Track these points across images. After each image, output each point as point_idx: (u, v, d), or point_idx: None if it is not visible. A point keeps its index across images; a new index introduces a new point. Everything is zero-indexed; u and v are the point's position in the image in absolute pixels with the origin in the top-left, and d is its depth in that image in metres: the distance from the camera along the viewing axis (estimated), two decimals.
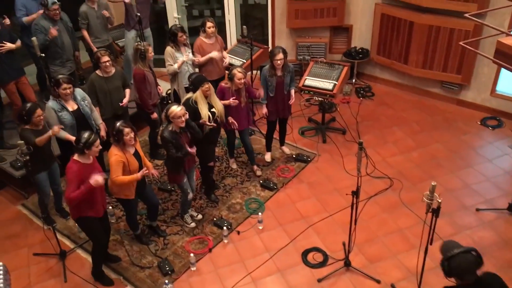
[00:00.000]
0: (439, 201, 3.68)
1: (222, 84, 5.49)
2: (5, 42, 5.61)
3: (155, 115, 5.82)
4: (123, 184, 4.43)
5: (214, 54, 6.11)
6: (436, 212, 3.72)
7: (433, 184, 3.62)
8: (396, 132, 6.76)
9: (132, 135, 4.34)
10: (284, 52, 5.53)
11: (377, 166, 6.07)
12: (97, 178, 4.03)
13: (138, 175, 4.38)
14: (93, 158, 4.24)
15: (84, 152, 4.08)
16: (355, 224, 4.47)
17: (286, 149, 6.41)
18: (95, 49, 6.39)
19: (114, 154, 4.32)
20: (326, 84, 6.33)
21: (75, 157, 4.12)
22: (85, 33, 6.60)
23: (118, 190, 4.55)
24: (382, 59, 7.59)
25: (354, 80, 7.88)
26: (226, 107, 5.36)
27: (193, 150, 4.76)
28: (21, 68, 6.06)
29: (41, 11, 6.04)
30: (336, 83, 6.31)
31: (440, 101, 7.35)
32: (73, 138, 4.74)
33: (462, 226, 5.14)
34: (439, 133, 6.67)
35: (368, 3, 7.42)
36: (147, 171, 4.49)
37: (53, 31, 5.89)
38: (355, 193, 4.23)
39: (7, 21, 5.76)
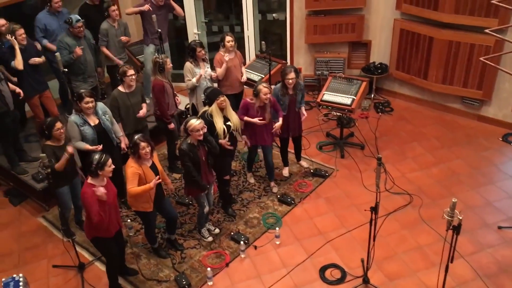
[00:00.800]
0: (460, 218, 3.62)
1: (247, 99, 5.50)
2: (34, 59, 5.80)
3: (172, 125, 5.88)
4: (139, 196, 4.47)
5: (227, 57, 6.11)
6: (457, 229, 3.66)
7: (453, 200, 3.57)
8: (416, 147, 6.69)
9: (148, 149, 4.38)
10: (296, 71, 5.55)
11: (396, 182, 6.00)
12: (100, 189, 4.02)
13: (151, 184, 4.39)
14: (107, 179, 4.25)
15: (97, 174, 4.09)
16: (374, 240, 4.41)
17: (304, 163, 6.40)
18: (121, 63, 6.54)
19: (130, 166, 4.39)
20: (345, 99, 6.32)
21: (89, 180, 4.12)
22: (105, 50, 6.75)
23: (135, 203, 4.59)
24: (401, 74, 7.56)
25: (372, 95, 7.85)
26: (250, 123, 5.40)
27: (214, 187, 4.77)
28: (45, 82, 6.22)
29: (79, 51, 6.13)
30: (355, 98, 6.30)
31: (461, 116, 7.26)
32: (92, 148, 4.83)
33: (484, 244, 5.04)
34: (460, 149, 6.58)
35: (387, 19, 7.42)
36: (159, 180, 4.48)
37: (78, 51, 6.05)
38: (374, 209, 4.19)
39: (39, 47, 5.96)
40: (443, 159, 6.40)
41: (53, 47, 6.36)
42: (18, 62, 5.66)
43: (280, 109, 5.65)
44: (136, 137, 4.38)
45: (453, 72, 6.91)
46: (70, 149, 4.79)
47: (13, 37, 5.61)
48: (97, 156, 4.10)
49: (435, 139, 6.84)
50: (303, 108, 5.88)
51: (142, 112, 5.62)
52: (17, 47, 5.64)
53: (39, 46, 6.37)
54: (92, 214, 4.05)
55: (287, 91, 5.63)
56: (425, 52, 7.06)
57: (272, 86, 6.28)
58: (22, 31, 5.68)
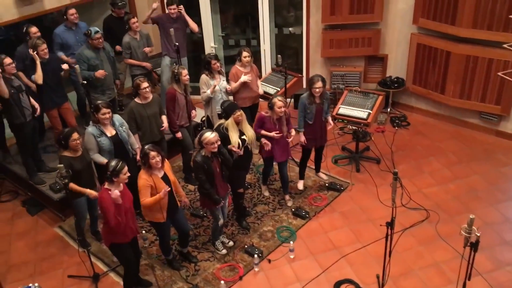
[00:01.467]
0: (478, 234, 3.56)
1: (263, 113, 5.52)
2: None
3: (179, 135, 5.94)
4: (152, 207, 4.50)
5: (244, 78, 6.18)
6: (474, 246, 3.61)
7: (471, 217, 3.51)
8: (433, 162, 6.62)
9: (158, 159, 4.41)
10: (323, 81, 5.58)
11: (413, 197, 5.94)
12: (115, 192, 4.12)
13: (160, 194, 4.40)
14: (123, 185, 4.33)
15: (113, 180, 4.18)
16: (390, 256, 4.36)
17: (323, 176, 6.39)
18: (149, 65, 6.67)
19: (142, 178, 4.43)
20: (361, 113, 6.30)
21: (106, 185, 4.23)
22: (130, 60, 6.86)
23: (148, 213, 4.62)
24: (418, 89, 7.51)
25: (389, 109, 7.81)
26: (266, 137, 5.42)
27: (229, 199, 4.77)
28: (65, 95, 6.32)
29: (102, 71, 6.28)
30: (371, 112, 6.28)
31: (479, 131, 7.18)
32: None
33: (503, 262, 4.94)
34: (478, 164, 6.49)
35: (404, 33, 7.41)
36: (168, 189, 4.49)
37: (101, 72, 6.19)
38: (390, 224, 4.14)
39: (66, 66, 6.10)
40: (460, 174, 6.32)
41: (68, 59, 6.48)
42: (38, 77, 5.76)
43: (290, 124, 5.65)
44: (146, 147, 4.44)
45: (471, 86, 6.85)
46: (94, 193, 4.84)
47: (35, 52, 5.72)
48: (113, 163, 4.18)
49: (453, 154, 6.76)
50: (329, 118, 5.92)
51: (165, 124, 5.69)
52: (38, 61, 5.74)
53: (64, 57, 6.49)
54: (109, 218, 4.11)
55: (314, 100, 5.65)
56: (442, 67, 7.02)
57: (288, 99, 6.31)
58: (44, 46, 5.79)
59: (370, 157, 6.74)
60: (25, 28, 6.11)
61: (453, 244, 5.13)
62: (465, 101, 7.01)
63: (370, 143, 7.04)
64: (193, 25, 7.21)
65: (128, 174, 4.27)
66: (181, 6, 7.04)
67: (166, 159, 4.67)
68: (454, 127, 7.39)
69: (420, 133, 7.34)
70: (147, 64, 6.84)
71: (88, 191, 4.85)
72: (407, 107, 7.93)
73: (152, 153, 4.37)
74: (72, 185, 4.72)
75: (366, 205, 5.90)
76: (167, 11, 7.12)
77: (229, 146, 5.00)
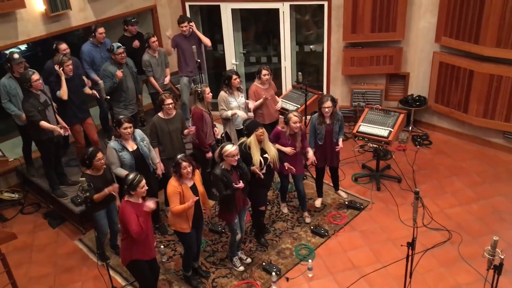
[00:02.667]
0: (502, 257, 3.48)
1: (278, 127, 5.56)
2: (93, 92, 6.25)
3: (209, 154, 5.96)
4: (179, 215, 4.53)
5: (263, 99, 6.21)
6: (498, 269, 3.52)
7: (495, 238, 3.44)
8: (455, 182, 6.51)
9: (189, 169, 4.48)
10: (333, 100, 5.56)
11: (435, 217, 5.84)
12: (148, 204, 4.20)
13: (189, 203, 4.45)
14: (142, 199, 4.37)
15: (131, 194, 4.24)
16: (410, 277, 4.28)
17: (342, 193, 6.34)
18: (162, 92, 6.74)
19: (171, 185, 4.49)
20: (381, 131, 6.25)
21: (126, 198, 4.29)
22: (153, 81, 6.99)
23: (174, 221, 4.66)
24: (441, 107, 7.44)
25: (410, 128, 7.74)
26: (281, 152, 5.40)
27: (240, 185, 4.77)
28: (88, 110, 6.45)
29: (120, 73, 6.39)
30: (392, 130, 6.23)
31: (503, 151, 7.05)
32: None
33: None
34: (502, 185, 6.36)
35: (426, 52, 7.37)
36: (196, 198, 4.52)
37: (119, 74, 6.27)
38: (411, 245, 4.08)
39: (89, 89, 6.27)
40: (484, 195, 6.20)
41: (98, 80, 6.61)
42: (64, 92, 5.89)
43: (305, 140, 5.64)
44: (178, 156, 4.52)
45: (495, 106, 6.75)
46: (112, 188, 4.91)
47: (61, 68, 5.86)
48: (130, 177, 4.24)
49: (476, 174, 6.64)
50: (340, 141, 5.86)
51: (186, 131, 5.74)
52: (63, 77, 5.88)
53: (96, 78, 6.63)
54: (131, 227, 4.13)
55: (324, 120, 5.63)
56: (465, 86, 6.95)
57: (309, 117, 6.31)
58: (70, 62, 5.93)
59: (391, 175, 6.66)
60: (55, 45, 6.28)
61: (476, 267, 5.01)
62: (489, 121, 6.90)
63: (391, 161, 6.97)
64: (205, 40, 7.30)
65: (146, 188, 4.31)
66: (192, 22, 7.15)
67: (197, 170, 4.73)
68: (477, 146, 7.27)
69: (443, 152, 7.24)
70: (161, 91, 6.91)
71: (107, 190, 4.89)
72: (429, 126, 7.85)
73: (184, 163, 4.45)
74: (95, 196, 4.78)
75: (387, 225, 5.82)
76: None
77: (252, 168, 5.01)
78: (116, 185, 4.96)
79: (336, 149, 5.85)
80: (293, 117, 5.32)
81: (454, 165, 6.90)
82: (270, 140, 5.46)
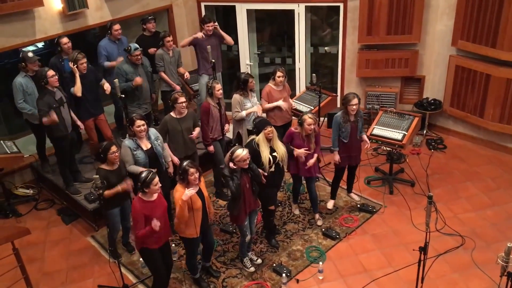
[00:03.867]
0: None
1: (292, 129, 5.55)
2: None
3: (211, 148, 6.01)
4: (187, 221, 4.52)
5: (280, 103, 6.24)
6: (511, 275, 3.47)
7: (509, 245, 3.40)
8: (470, 187, 6.44)
9: (196, 175, 4.46)
10: (358, 98, 5.55)
11: (448, 222, 5.78)
12: (156, 223, 4.22)
13: (182, 204, 4.44)
14: (158, 195, 4.40)
15: (145, 191, 4.26)
16: (422, 282, 4.25)
17: (355, 196, 6.31)
18: (178, 88, 6.78)
19: (179, 191, 4.46)
20: (395, 134, 6.21)
21: (139, 195, 4.32)
22: (164, 75, 6.99)
23: (182, 229, 4.64)
24: (456, 111, 7.36)
25: (425, 131, 7.67)
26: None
27: (258, 216, 4.76)
28: (101, 107, 6.50)
29: (120, 58, 6.52)
30: (406, 133, 6.18)
31: None
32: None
33: None
34: None
35: (442, 55, 7.30)
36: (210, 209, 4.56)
37: (138, 80, 6.32)
38: (423, 249, 4.05)
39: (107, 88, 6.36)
40: (498, 201, 6.12)
41: (114, 64, 6.69)
42: (77, 89, 5.96)
43: (319, 143, 5.61)
44: (185, 163, 4.47)
45: (511, 111, 6.66)
46: (125, 185, 4.95)
47: (76, 66, 5.93)
48: (143, 174, 4.27)
49: (491, 179, 6.56)
50: (365, 136, 5.86)
51: (195, 134, 5.76)
52: (77, 74, 5.94)
53: (113, 63, 6.70)
54: (136, 228, 4.23)
55: (349, 118, 5.62)
56: (482, 90, 6.86)
57: (322, 119, 6.29)
58: (84, 60, 5.99)
59: (404, 179, 6.61)
60: (56, 39, 6.36)
61: (489, 273, 4.94)
62: (505, 126, 6.81)
63: (405, 165, 6.91)
64: (228, 39, 7.31)
65: (160, 185, 4.34)
66: (216, 22, 7.17)
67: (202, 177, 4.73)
68: (493, 151, 7.18)
69: (457, 156, 7.16)
70: (176, 87, 6.93)
71: (119, 187, 4.93)
72: (444, 130, 7.77)
73: (192, 170, 4.42)
74: (106, 192, 4.81)
75: (399, 229, 5.78)
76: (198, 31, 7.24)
77: (261, 171, 5.00)
78: (129, 182, 4.99)
79: (366, 146, 5.84)
80: (308, 119, 5.31)
81: (468, 170, 6.82)
82: (283, 141, 5.46)
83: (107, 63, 6.83)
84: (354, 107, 5.52)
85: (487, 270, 5.00)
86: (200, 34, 7.03)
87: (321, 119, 6.98)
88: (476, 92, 6.96)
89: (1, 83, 7.35)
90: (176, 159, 5.58)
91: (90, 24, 7.11)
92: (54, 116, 5.60)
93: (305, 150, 5.42)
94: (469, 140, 7.49)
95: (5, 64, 7.32)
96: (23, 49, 6.62)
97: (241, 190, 4.75)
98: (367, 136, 6.30)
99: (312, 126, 5.33)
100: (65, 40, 6.34)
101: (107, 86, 6.33)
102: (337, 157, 5.77)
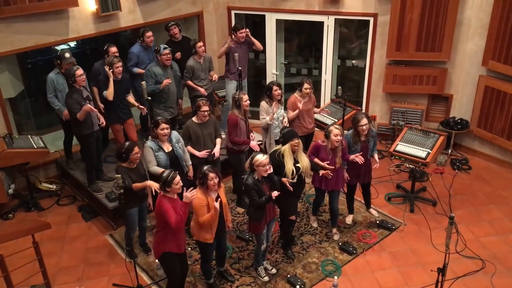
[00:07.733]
0: None
1: (319, 141, 5.49)
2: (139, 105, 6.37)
3: (253, 143, 5.98)
4: (204, 226, 4.54)
5: (297, 111, 6.24)
6: None
7: None
8: (493, 211, 6.29)
9: (216, 180, 4.47)
10: (368, 117, 5.48)
11: (468, 244, 5.65)
12: (187, 195, 4.21)
13: (213, 211, 4.43)
14: (177, 196, 4.43)
15: (166, 190, 4.30)
16: None
17: (374, 212, 6.24)
18: (205, 93, 6.83)
19: (197, 198, 4.46)
20: (419, 152, 6.12)
21: (162, 193, 4.36)
22: (190, 82, 7.04)
23: (197, 232, 4.67)
24: (483, 132, 7.22)
25: (450, 151, 7.55)
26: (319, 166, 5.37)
27: (276, 193, 4.73)
28: (130, 112, 6.55)
29: (168, 80, 6.53)
30: (430, 151, 6.09)
31: None
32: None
33: None
34: None
35: (472, 74, 7.19)
36: (218, 209, 4.49)
37: (166, 81, 6.39)
38: (441, 271, 3.98)
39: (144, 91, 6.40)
40: None
41: (142, 71, 6.76)
42: (110, 93, 6.02)
43: (347, 156, 5.56)
44: (205, 167, 4.50)
45: None
46: (155, 185, 4.98)
47: (111, 70, 6.00)
48: (165, 174, 4.31)
49: None
50: (376, 156, 5.78)
51: (216, 150, 5.79)
52: (111, 79, 6.00)
53: (140, 70, 6.77)
54: (171, 217, 4.21)
55: (359, 138, 5.56)
56: (511, 112, 6.73)
57: (345, 132, 6.24)
58: (120, 64, 6.03)
59: (426, 198, 6.51)
60: (106, 46, 6.44)
61: None
62: None
63: (427, 183, 6.81)
64: (258, 44, 7.35)
65: (181, 184, 4.36)
66: (247, 29, 7.22)
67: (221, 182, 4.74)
68: None
69: (482, 178, 7.02)
70: (202, 91, 6.98)
71: (149, 182, 5.01)
72: (470, 150, 7.63)
73: (211, 175, 4.44)
74: (135, 185, 4.90)
75: (418, 248, 5.68)
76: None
77: (282, 179, 4.99)
78: (156, 184, 5.00)
79: (375, 167, 5.77)
80: (334, 130, 5.24)
81: (493, 192, 6.67)
82: (309, 153, 5.43)
83: (135, 69, 6.93)
84: (364, 127, 5.42)
85: None
86: (231, 42, 7.09)
87: (345, 132, 6.94)
88: (505, 113, 6.82)
89: (32, 79, 7.53)
90: (197, 152, 5.65)
91: (122, 26, 7.25)
92: (88, 106, 5.68)
93: (328, 164, 5.33)
94: (495, 163, 7.34)
95: (37, 61, 7.50)
96: (61, 47, 6.76)
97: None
98: (390, 153, 6.25)
99: (339, 137, 5.24)
100: (114, 49, 6.40)
101: (130, 99, 6.38)
102: (345, 174, 5.70)
